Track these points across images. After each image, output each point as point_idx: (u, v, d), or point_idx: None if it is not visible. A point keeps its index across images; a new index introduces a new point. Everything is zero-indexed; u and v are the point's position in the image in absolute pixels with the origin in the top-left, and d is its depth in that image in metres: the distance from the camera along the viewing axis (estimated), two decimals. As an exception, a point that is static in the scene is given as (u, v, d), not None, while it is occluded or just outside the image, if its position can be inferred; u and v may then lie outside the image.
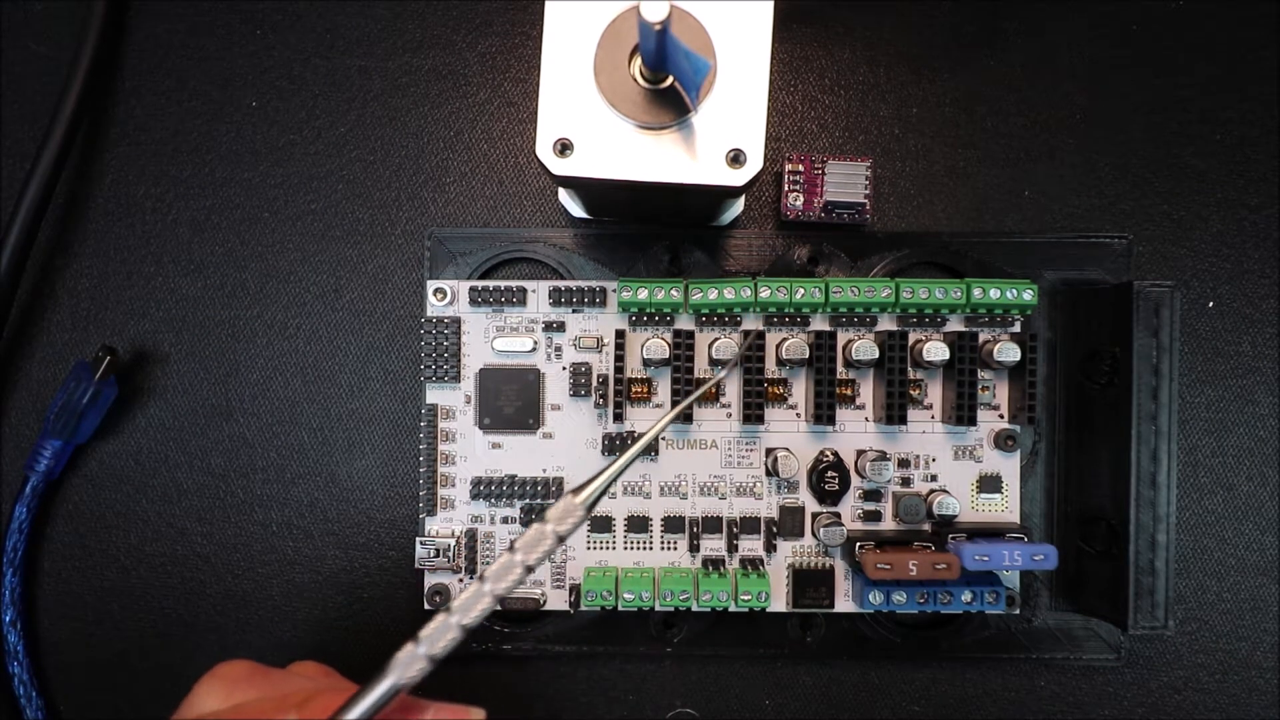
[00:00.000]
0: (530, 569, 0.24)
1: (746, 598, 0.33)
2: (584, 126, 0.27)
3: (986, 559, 0.32)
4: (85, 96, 0.35)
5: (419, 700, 0.24)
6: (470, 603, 0.24)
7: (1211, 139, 0.37)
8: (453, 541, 0.34)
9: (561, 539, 0.24)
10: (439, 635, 0.23)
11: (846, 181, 0.35)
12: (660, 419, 0.26)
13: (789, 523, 0.35)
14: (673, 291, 0.34)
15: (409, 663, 0.23)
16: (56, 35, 0.37)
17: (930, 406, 0.35)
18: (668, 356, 0.34)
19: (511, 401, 0.35)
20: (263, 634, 0.37)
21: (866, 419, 0.35)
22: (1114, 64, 0.37)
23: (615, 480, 0.25)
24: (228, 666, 0.26)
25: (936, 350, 0.33)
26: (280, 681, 0.25)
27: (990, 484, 0.35)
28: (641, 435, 0.26)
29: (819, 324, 0.35)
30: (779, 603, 0.35)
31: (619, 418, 0.35)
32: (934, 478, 0.35)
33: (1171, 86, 0.37)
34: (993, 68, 0.37)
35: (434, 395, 0.35)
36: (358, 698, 0.23)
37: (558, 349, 0.35)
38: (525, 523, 0.35)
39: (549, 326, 0.35)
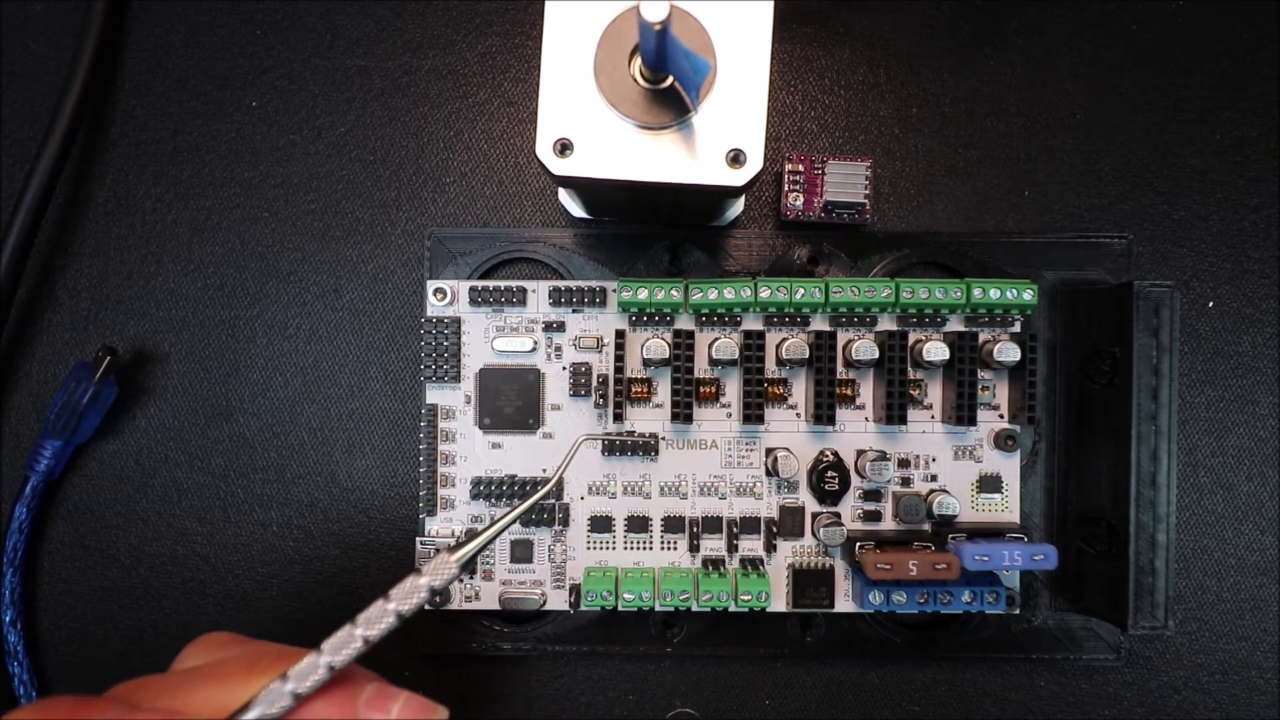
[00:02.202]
0: (403, 617, 0.25)
1: (746, 598, 0.33)
2: (584, 126, 0.27)
3: (986, 559, 0.32)
4: (85, 96, 0.35)
5: (389, 687, 0.25)
6: (342, 644, 0.25)
7: (1211, 139, 0.37)
8: (453, 542, 0.34)
9: (434, 592, 0.26)
10: (306, 673, 0.24)
11: (846, 181, 0.35)
12: (543, 489, 0.28)
13: (789, 523, 0.35)
14: (673, 291, 0.34)
15: (275, 697, 0.24)
16: (56, 35, 0.37)
17: (930, 406, 0.35)
18: (668, 356, 0.34)
19: (511, 401, 0.35)
20: (263, 634, 0.36)
21: (866, 419, 0.35)
22: (1114, 64, 0.37)
23: (488, 545, 0.26)
24: (211, 635, 0.27)
25: (936, 350, 0.33)
26: (261, 646, 0.27)
27: (990, 484, 0.35)
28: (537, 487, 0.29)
29: (819, 324, 0.35)
30: (779, 603, 0.35)
31: (619, 418, 0.35)
32: (934, 478, 0.35)
33: (1171, 86, 0.37)
34: (993, 68, 0.37)
35: (434, 395, 0.35)
36: (249, 706, 0.24)
37: (558, 349, 0.35)
38: (525, 523, 0.35)
39: (549, 326, 0.35)
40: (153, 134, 0.37)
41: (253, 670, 0.24)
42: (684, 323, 0.35)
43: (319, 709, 0.24)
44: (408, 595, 0.25)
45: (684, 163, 0.27)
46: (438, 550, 0.26)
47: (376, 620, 0.25)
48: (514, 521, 0.27)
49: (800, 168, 0.35)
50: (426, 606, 0.34)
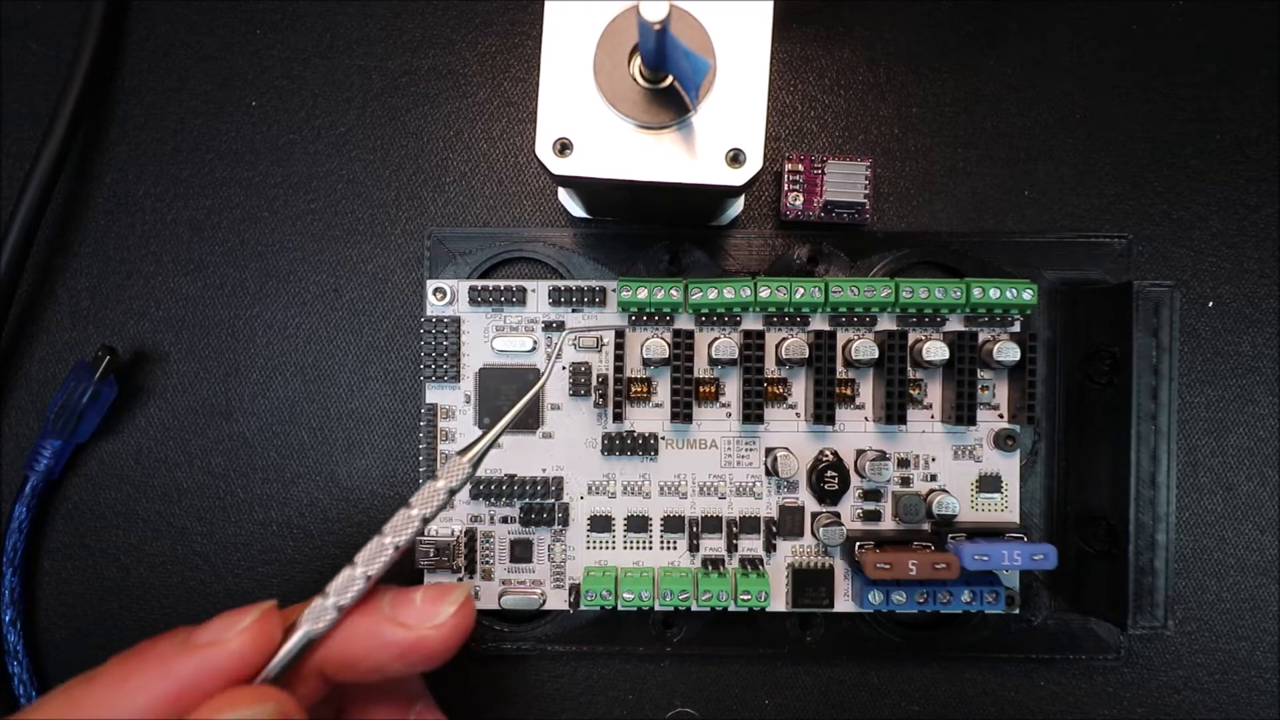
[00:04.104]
0: (426, 520, 0.27)
1: (746, 597, 0.33)
2: (584, 126, 0.27)
3: (986, 559, 0.32)
4: (85, 96, 0.35)
5: (406, 589, 0.27)
6: (373, 555, 0.27)
7: (1211, 139, 0.37)
8: (453, 541, 0.34)
9: (452, 492, 0.28)
10: (345, 587, 0.26)
11: (846, 181, 0.35)
12: (536, 385, 0.30)
13: (789, 522, 0.35)
14: (672, 291, 0.34)
15: (319, 614, 0.26)
16: (56, 35, 0.37)
17: (930, 406, 0.35)
18: (667, 356, 0.34)
19: (511, 401, 0.35)
20: (262, 634, 0.37)
21: (866, 419, 0.35)
22: (1114, 64, 0.37)
23: (496, 440, 0.28)
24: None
25: (936, 350, 0.33)
26: None
27: (990, 484, 0.35)
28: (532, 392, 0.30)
29: (819, 324, 0.35)
30: (779, 602, 0.35)
31: (619, 417, 0.35)
32: (934, 477, 0.35)
33: (1171, 86, 0.37)
34: (993, 68, 0.37)
35: (434, 395, 0.35)
36: (278, 650, 0.25)
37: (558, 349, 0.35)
38: (524, 523, 0.35)
39: (549, 326, 0.35)
40: (152, 133, 0.37)
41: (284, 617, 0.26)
42: (684, 322, 0.35)
43: (345, 625, 0.26)
44: (427, 500, 0.27)
45: (684, 162, 0.27)
46: (450, 456, 0.28)
47: (402, 527, 0.27)
48: (515, 420, 0.28)
49: (800, 167, 0.35)
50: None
